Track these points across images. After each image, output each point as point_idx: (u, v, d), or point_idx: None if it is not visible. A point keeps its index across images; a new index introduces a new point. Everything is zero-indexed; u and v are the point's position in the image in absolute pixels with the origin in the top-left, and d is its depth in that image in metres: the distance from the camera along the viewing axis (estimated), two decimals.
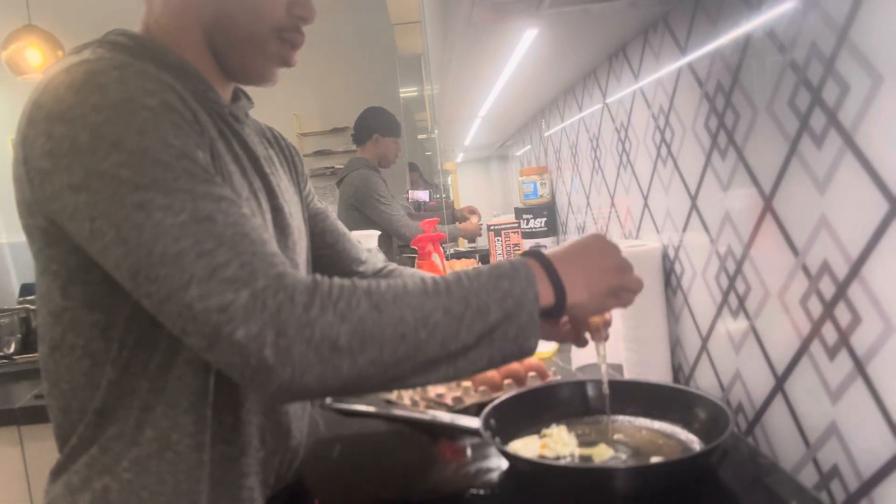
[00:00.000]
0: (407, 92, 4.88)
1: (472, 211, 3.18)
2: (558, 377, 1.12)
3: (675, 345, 1.08)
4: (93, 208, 0.58)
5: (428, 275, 0.64)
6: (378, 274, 1.04)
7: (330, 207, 1.08)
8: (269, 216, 0.75)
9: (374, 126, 2.91)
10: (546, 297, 0.66)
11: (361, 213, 2.78)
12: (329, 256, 0.99)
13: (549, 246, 2.02)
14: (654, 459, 0.76)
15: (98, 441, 0.67)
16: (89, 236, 0.59)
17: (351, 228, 2.73)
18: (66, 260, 0.64)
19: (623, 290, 0.72)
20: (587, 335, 0.77)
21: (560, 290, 0.67)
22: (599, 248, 0.72)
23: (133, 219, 0.56)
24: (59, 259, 0.64)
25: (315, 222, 0.98)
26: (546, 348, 1.34)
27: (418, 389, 1.08)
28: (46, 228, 0.63)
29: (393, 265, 1.07)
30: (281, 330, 0.55)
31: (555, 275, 0.67)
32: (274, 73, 0.76)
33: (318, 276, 0.59)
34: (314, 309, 0.56)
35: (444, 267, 2.01)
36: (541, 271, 0.67)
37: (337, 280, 0.60)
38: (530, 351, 0.65)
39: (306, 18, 0.74)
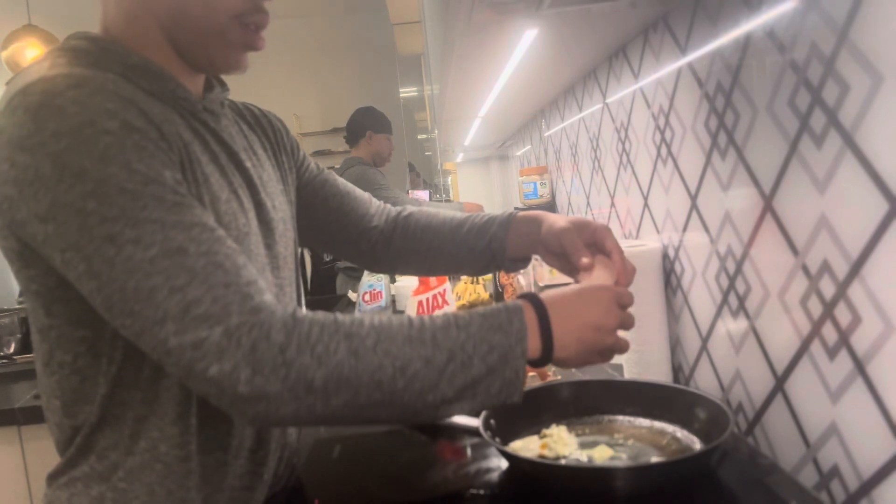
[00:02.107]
0: (407, 92, 4.88)
1: (477, 207, 3.18)
2: (558, 377, 1.12)
3: (675, 345, 1.08)
4: (62, 240, 0.57)
5: (417, 317, 0.63)
6: (394, 221, 1.00)
7: None
8: (251, 213, 0.74)
9: (365, 124, 2.91)
10: (533, 350, 0.65)
11: None
12: (338, 221, 0.97)
13: None
14: (654, 459, 0.76)
15: (95, 451, 0.67)
16: (62, 265, 0.59)
17: None
18: (44, 280, 0.63)
19: (611, 350, 0.71)
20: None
21: (548, 345, 0.66)
22: (605, 307, 0.70)
23: (103, 253, 0.56)
24: (37, 279, 0.64)
25: (316, 191, 0.95)
26: None
27: None
28: (21, 251, 0.62)
29: (409, 209, 1.02)
30: (256, 368, 0.55)
31: (547, 328, 0.66)
32: (242, 59, 0.72)
33: (298, 313, 0.59)
34: (290, 350, 0.56)
35: None
36: (534, 323, 0.66)
37: (318, 318, 0.59)
38: (514, 404, 0.64)
39: None
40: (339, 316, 0.60)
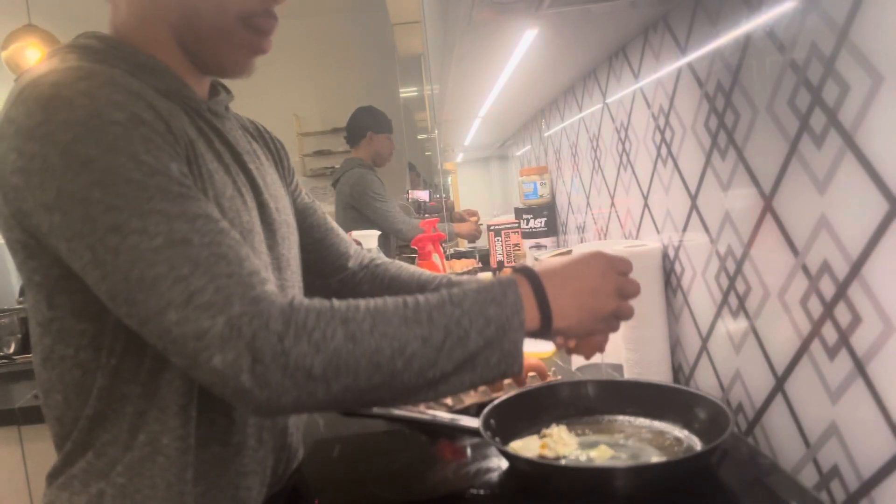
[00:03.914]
0: (407, 92, 4.88)
1: (472, 213, 3.18)
2: (558, 377, 1.12)
3: (675, 345, 1.08)
4: (67, 229, 0.57)
5: (412, 297, 0.63)
6: (366, 268, 1.02)
7: (327, 208, 1.06)
8: (254, 213, 0.75)
9: (366, 124, 2.90)
10: (532, 321, 0.66)
11: (359, 212, 2.77)
12: (317, 251, 0.98)
13: (549, 246, 2.02)
14: (654, 459, 0.76)
15: (93, 447, 0.67)
16: (67, 255, 0.59)
17: (349, 228, 2.75)
18: (48, 271, 0.63)
19: (615, 316, 0.71)
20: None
21: (546, 315, 0.66)
22: (600, 271, 0.70)
23: (108, 242, 0.56)
24: (41, 271, 0.64)
25: (303, 217, 0.96)
26: (546, 348, 1.34)
27: None
28: (25, 242, 0.63)
29: (381, 259, 1.04)
30: (257, 357, 0.56)
31: (543, 298, 0.66)
32: (249, 63, 0.73)
33: (296, 301, 0.59)
34: (288, 339, 0.57)
35: (443, 267, 2.01)
36: (529, 294, 0.66)
37: (315, 305, 0.60)
38: (515, 374, 0.65)
39: None
40: (336, 302, 0.61)
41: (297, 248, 0.86)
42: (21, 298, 2.41)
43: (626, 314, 0.72)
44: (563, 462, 0.77)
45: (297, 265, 0.86)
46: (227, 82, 0.82)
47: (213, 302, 0.56)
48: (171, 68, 0.71)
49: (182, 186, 0.60)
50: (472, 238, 3.07)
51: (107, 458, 0.67)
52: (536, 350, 1.33)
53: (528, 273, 0.68)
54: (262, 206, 0.77)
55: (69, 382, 0.67)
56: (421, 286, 0.97)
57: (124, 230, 0.56)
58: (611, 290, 0.70)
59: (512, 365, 0.64)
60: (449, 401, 1.03)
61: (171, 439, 0.67)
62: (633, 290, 0.72)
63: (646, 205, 1.19)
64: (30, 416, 1.57)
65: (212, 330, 0.55)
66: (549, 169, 2.11)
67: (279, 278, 0.78)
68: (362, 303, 0.61)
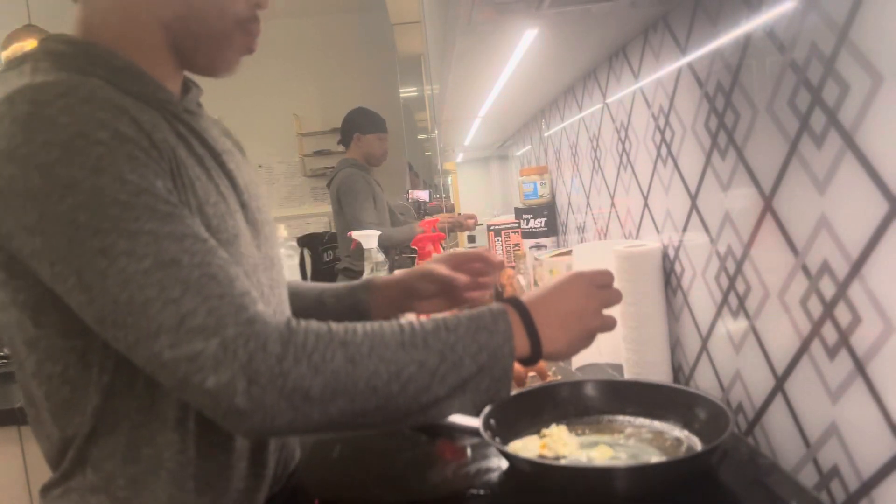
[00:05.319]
0: (407, 92, 4.88)
1: (470, 216, 3.18)
2: (558, 377, 1.12)
3: (675, 345, 1.08)
4: (51, 253, 0.56)
5: (407, 322, 0.65)
6: None
7: (327, 208, 1.05)
8: (238, 215, 0.73)
9: (353, 126, 2.90)
10: (522, 349, 0.68)
11: None
12: None
13: (549, 246, 2.02)
14: (654, 459, 0.76)
15: (90, 462, 0.65)
16: (51, 278, 0.58)
17: (342, 229, 2.72)
18: (32, 290, 0.61)
19: (600, 330, 0.74)
20: None
21: (536, 342, 0.69)
22: (583, 292, 0.73)
23: (95, 265, 0.55)
24: (25, 289, 0.62)
25: None
26: None
27: None
28: (7, 262, 0.61)
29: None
30: (253, 378, 0.55)
31: (532, 327, 0.69)
32: (238, 62, 0.75)
33: (293, 323, 0.59)
34: (287, 361, 0.57)
35: None
36: (518, 323, 0.69)
37: (313, 327, 0.60)
38: (502, 400, 0.68)
39: (261, 5, 0.72)
40: (333, 324, 0.61)
41: (279, 246, 0.86)
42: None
43: (610, 326, 0.74)
44: (563, 462, 0.77)
45: (281, 263, 0.85)
46: (223, 80, 0.81)
47: (206, 324, 0.55)
48: (146, 71, 0.69)
49: (168, 205, 0.59)
50: (462, 229, 3.08)
51: (105, 473, 0.65)
52: None
53: (515, 303, 0.70)
54: (244, 208, 0.75)
55: (57, 400, 0.65)
56: (318, 295, 0.99)
57: (112, 253, 0.55)
58: (595, 308, 0.73)
59: (500, 391, 0.66)
60: None
61: (172, 453, 0.66)
62: (616, 300, 0.76)
63: (646, 205, 1.19)
64: None
65: (205, 352, 0.55)
66: (549, 169, 2.11)
67: (268, 278, 0.77)
68: (360, 326, 0.62)
